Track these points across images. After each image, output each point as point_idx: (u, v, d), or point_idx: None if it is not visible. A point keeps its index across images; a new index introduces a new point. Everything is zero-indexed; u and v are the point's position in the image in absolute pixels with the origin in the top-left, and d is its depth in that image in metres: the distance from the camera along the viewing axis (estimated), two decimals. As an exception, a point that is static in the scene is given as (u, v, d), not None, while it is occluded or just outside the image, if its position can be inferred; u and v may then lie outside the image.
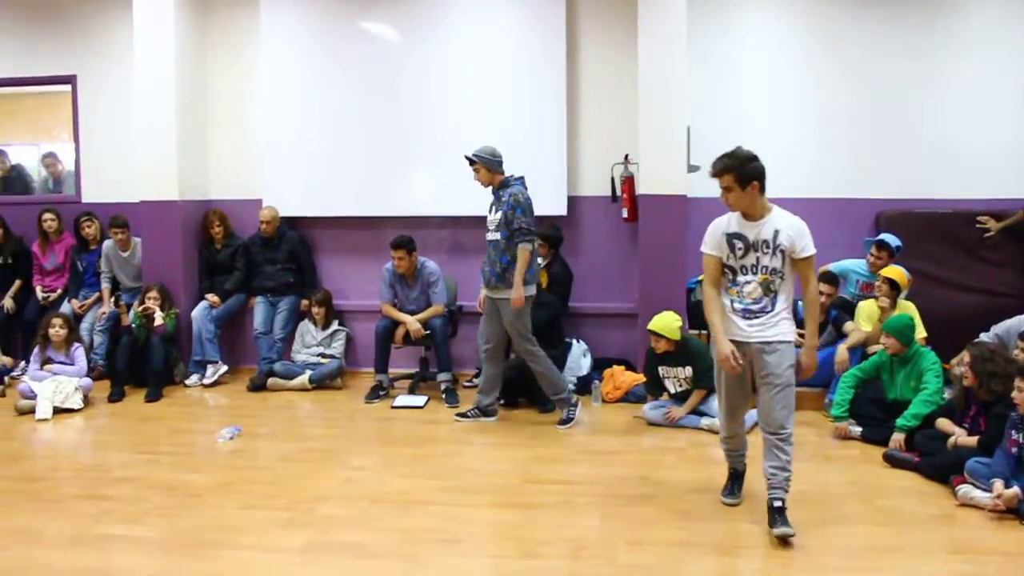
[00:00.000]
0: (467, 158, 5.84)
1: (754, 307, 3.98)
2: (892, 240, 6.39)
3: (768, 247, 3.94)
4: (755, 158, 3.94)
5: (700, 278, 6.87)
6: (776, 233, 3.93)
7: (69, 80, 8.33)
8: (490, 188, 5.92)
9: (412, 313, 6.84)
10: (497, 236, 5.79)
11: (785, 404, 3.97)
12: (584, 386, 6.70)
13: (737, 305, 4.02)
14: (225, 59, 7.89)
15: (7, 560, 3.80)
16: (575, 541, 3.91)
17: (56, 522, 4.27)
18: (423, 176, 7.41)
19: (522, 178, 5.93)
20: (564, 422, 5.92)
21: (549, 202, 7.18)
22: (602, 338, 7.19)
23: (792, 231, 3.93)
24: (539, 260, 6.87)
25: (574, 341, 6.91)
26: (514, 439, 5.63)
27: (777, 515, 3.91)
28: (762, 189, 3.92)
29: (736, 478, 4.48)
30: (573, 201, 7.30)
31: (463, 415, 6.13)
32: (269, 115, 7.68)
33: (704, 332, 6.16)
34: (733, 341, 4.01)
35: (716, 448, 5.32)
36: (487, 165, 5.83)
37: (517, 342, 5.88)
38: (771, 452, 4.01)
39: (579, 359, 6.86)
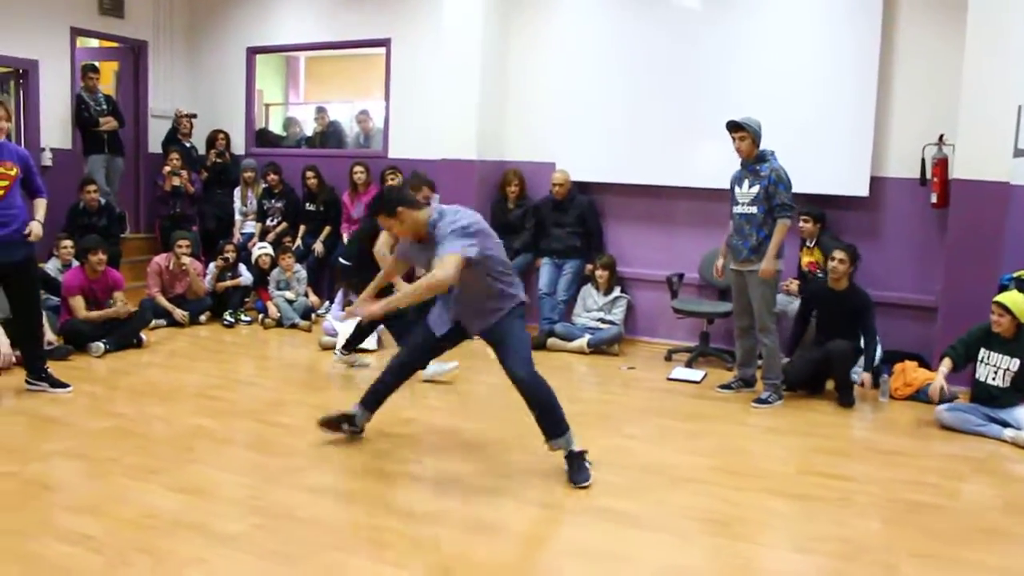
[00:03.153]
0: (733, 124, 5.70)
1: None
2: None
3: None
4: None
5: (1016, 274, 6.30)
6: None
7: (384, 43, 8.88)
8: (742, 161, 5.82)
9: None
10: (753, 210, 5.72)
11: None
12: (872, 379, 6.31)
13: None
14: (526, 24, 8.09)
15: (304, 480, 4.17)
16: (852, 542, 3.70)
17: (347, 451, 4.62)
18: (716, 148, 7.19)
19: (773, 152, 5.75)
20: (762, 401, 5.81)
21: (849, 182, 6.81)
22: (896, 330, 6.71)
23: None
24: (807, 242, 6.63)
25: (863, 330, 6.54)
26: (792, 426, 5.42)
27: None
28: None
29: None
30: (876, 182, 6.83)
31: (726, 387, 6.13)
32: (566, 80, 7.80)
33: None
34: None
35: (1022, 464, 4.87)
36: (755, 136, 5.70)
37: (761, 315, 5.78)
38: None
39: (868, 349, 6.46)
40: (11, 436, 4.75)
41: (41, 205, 5.47)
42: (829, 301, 6.06)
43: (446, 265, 4.00)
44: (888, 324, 6.70)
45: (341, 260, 6.47)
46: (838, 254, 5.96)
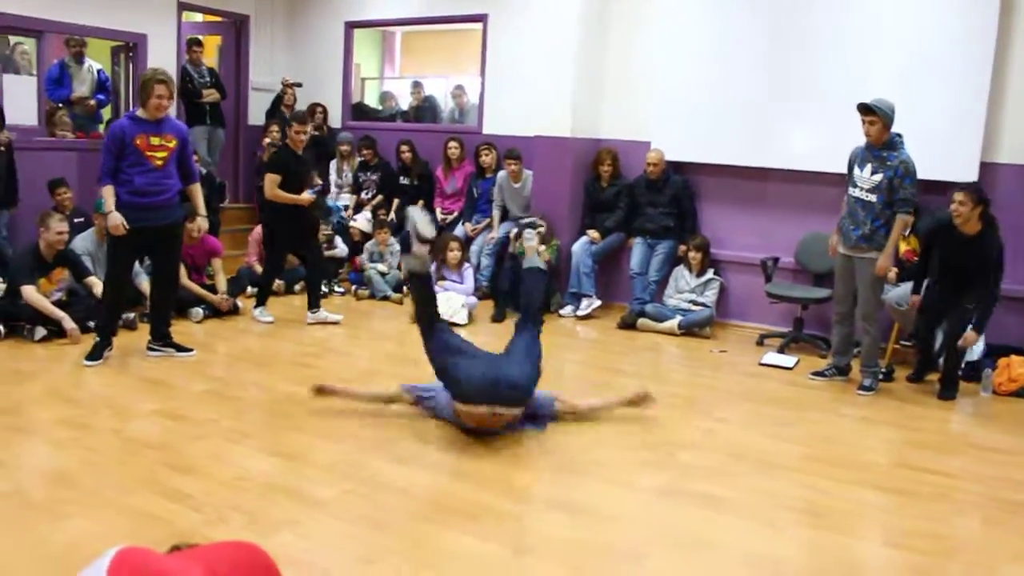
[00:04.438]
0: (864, 106, 5.44)
1: None
2: None
3: None
4: None
5: None
6: None
7: (481, 19, 8.87)
8: (868, 143, 5.57)
9: None
10: (872, 198, 5.50)
11: None
12: (974, 373, 6.10)
13: None
14: (625, 1, 7.97)
15: (395, 450, 4.23)
16: (948, 540, 3.59)
17: (435, 424, 4.65)
18: (818, 129, 7.04)
19: (902, 138, 5.51)
20: (866, 389, 5.72)
21: (957, 167, 6.54)
22: (1001, 322, 6.42)
23: None
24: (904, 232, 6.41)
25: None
26: (888, 417, 5.27)
27: None
28: None
29: None
30: (986, 168, 6.55)
31: (820, 374, 6.01)
32: (664, 58, 7.68)
33: None
34: None
35: None
36: (887, 121, 5.45)
37: (867, 303, 5.68)
38: None
39: (971, 343, 6.24)
40: (116, 395, 4.94)
41: (198, 193, 5.84)
42: (952, 243, 5.58)
43: None
44: (995, 317, 6.43)
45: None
46: (958, 196, 5.48)
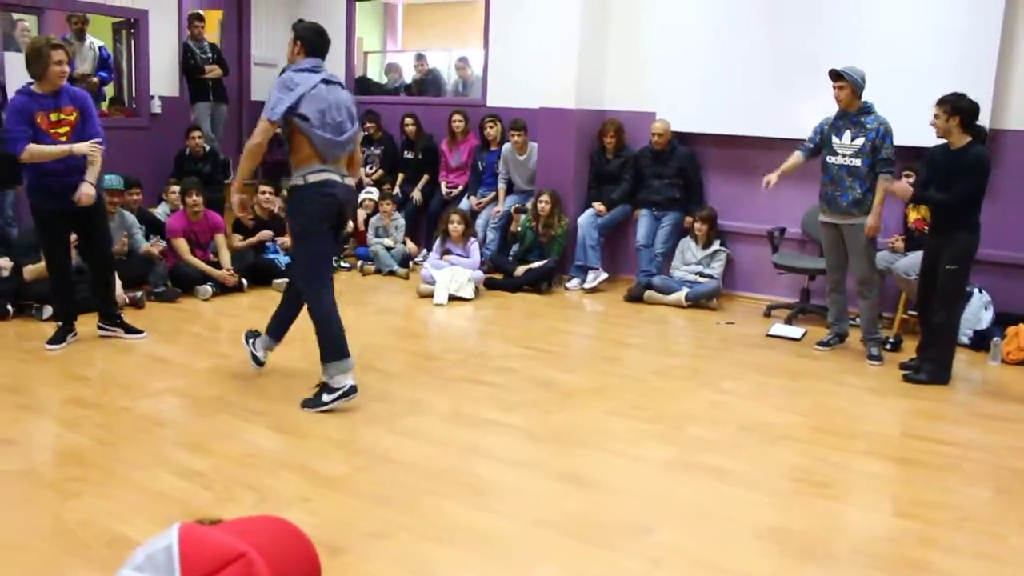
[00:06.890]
0: (834, 73, 5.56)
1: None
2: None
3: None
4: None
5: None
6: None
7: (483, -11, 8.79)
8: (840, 111, 5.68)
9: None
10: (857, 163, 5.59)
11: None
12: (982, 342, 6.08)
13: None
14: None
15: (401, 425, 4.24)
16: (958, 510, 3.59)
17: (442, 398, 4.68)
18: (824, 99, 6.95)
19: (873, 104, 5.63)
20: (875, 358, 5.69)
21: (966, 135, 6.49)
22: (1010, 291, 6.43)
23: None
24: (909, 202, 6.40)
25: (975, 291, 6.27)
26: (895, 387, 5.26)
27: None
28: None
29: None
30: (995, 135, 6.49)
31: (825, 344, 6.01)
32: (669, 28, 7.61)
33: None
34: None
35: None
36: (855, 86, 5.55)
37: (863, 268, 5.71)
38: None
39: (979, 311, 6.22)
40: (124, 374, 4.95)
41: (93, 162, 5.16)
42: (940, 159, 5.33)
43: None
44: (1004, 284, 6.43)
45: None
46: (935, 109, 5.22)
